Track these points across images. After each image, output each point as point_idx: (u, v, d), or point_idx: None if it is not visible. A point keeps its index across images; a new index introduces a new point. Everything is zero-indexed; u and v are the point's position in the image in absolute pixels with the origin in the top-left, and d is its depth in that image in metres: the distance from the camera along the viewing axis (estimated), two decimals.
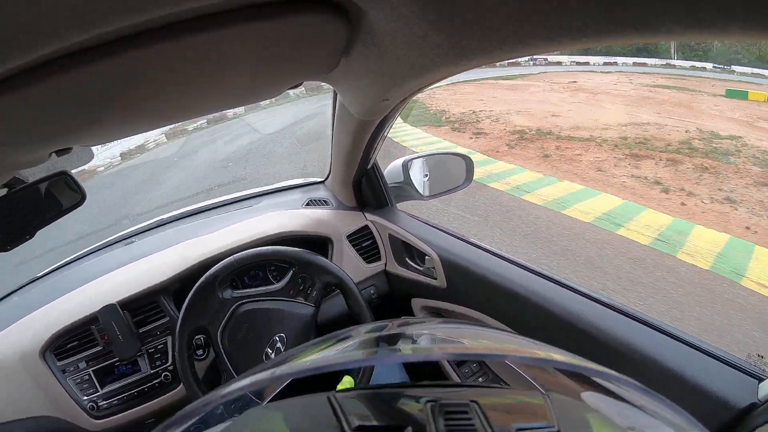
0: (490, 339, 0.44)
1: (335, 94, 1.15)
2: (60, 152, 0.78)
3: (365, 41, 0.62)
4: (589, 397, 0.38)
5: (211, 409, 0.34)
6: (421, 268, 1.43)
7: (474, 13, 0.45)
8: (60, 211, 1.02)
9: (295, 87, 0.83)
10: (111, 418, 1.31)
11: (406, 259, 1.49)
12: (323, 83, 0.93)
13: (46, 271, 1.65)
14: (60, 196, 1.02)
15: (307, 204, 1.69)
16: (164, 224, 1.77)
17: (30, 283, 1.60)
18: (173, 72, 0.56)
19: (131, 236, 1.73)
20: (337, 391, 0.37)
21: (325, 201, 1.69)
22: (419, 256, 1.45)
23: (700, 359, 0.81)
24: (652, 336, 0.87)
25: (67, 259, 1.69)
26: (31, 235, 0.99)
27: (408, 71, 0.68)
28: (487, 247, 1.27)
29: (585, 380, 0.40)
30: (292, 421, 0.36)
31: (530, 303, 1.06)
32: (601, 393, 0.37)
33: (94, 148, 1.02)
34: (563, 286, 1.05)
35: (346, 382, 1.03)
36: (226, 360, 1.20)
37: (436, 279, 1.34)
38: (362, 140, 1.23)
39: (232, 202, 1.86)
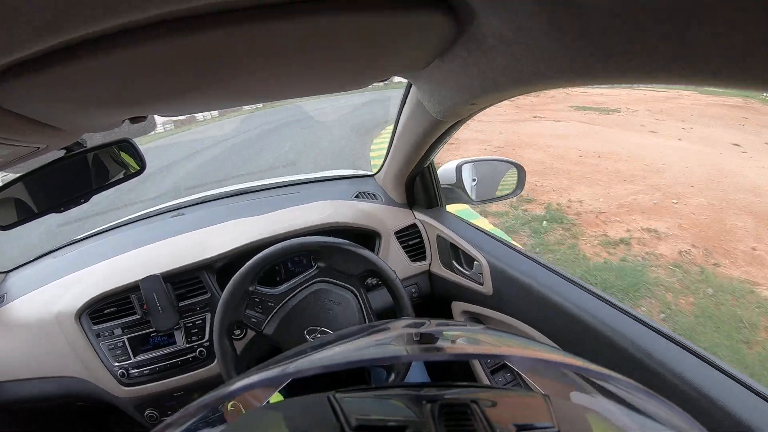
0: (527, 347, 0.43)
1: (408, 90, 1.12)
2: (134, 119, 0.76)
3: (468, 44, 0.59)
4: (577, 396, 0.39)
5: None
6: (468, 273, 1.40)
7: (604, 36, 0.42)
8: (119, 179, 1.01)
9: (383, 81, 0.81)
10: (140, 386, 1.32)
11: (453, 261, 1.46)
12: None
13: (87, 234, 1.66)
14: (120, 164, 1.00)
15: (356, 196, 1.67)
16: (211, 200, 1.77)
17: (70, 244, 1.61)
18: (267, 53, 0.54)
19: (177, 209, 1.73)
20: (337, 391, 0.37)
21: (374, 195, 1.68)
22: (466, 260, 1.42)
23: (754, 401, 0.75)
24: (706, 371, 0.81)
25: (110, 224, 1.70)
26: (86, 199, 0.99)
27: (511, 79, 0.64)
28: (538, 258, 1.23)
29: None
30: (292, 421, 0.35)
31: (579, 320, 1.01)
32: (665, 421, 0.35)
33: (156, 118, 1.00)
34: (617, 308, 1.00)
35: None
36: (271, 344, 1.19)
37: (482, 285, 1.31)
38: (430, 139, 1.21)
39: (281, 186, 1.86)
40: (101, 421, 1.66)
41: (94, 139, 0.97)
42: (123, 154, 1.00)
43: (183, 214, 1.66)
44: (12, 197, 0.94)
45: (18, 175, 0.92)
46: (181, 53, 0.48)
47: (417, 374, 1.41)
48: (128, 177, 1.02)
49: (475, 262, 1.33)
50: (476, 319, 1.41)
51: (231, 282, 1.16)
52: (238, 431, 0.36)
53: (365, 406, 0.37)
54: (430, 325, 0.46)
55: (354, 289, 1.23)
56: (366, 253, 1.21)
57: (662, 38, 0.38)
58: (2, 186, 0.92)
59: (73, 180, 0.97)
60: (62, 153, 0.93)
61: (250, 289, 1.17)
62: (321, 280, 1.22)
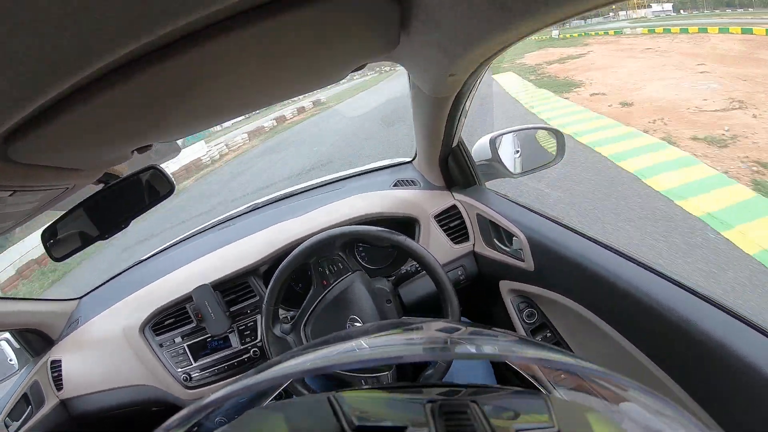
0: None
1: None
2: (141, 149, 0.80)
3: (419, 16, 0.59)
4: (627, 408, 0.37)
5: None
6: (509, 249, 1.36)
7: None
8: (151, 202, 1.07)
9: (359, 69, 0.81)
10: (203, 388, 1.43)
11: (494, 240, 1.42)
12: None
13: (147, 255, 1.79)
14: (152, 188, 1.06)
15: (395, 185, 1.67)
16: (257, 209, 1.85)
17: (133, 266, 1.75)
18: (236, 66, 0.56)
19: (226, 221, 1.83)
20: (337, 392, 0.37)
21: (413, 181, 1.67)
22: (507, 236, 1.38)
23: None
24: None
25: (166, 244, 1.82)
26: (127, 224, 1.06)
27: (468, 42, 0.63)
28: (579, 229, 1.17)
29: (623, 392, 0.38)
30: (293, 421, 0.36)
31: (624, 292, 0.95)
32: (641, 407, 0.35)
33: (179, 142, 1.05)
34: (663, 278, 0.92)
35: None
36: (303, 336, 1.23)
37: (523, 261, 1.27)
38: (440, 118, 1.18)
39: (322, 185, 1.90)
40: None
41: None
42: (153, 179, 1.06)
43: (228, 227, 1.75)
44: (62, 233, 1.03)
45: (62, 212, 1.00)
46: (159, 82, 0.50)
47: (482, 375, 1.38)
48: (161, 199, 1.08)
49: (514, 238, 1.29)
50: (524, 296, 1.37)
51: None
52: (238, 431, 0.36)
53: (365, 407, 0.37)
54: (464, 332, 0.47)
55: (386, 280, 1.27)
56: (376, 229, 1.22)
57: None
58: (50, 225, 1.01)
59: (112, 209, 1.04)
60: (100, 186, 1.01)
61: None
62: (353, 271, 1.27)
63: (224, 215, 1.90)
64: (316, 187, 1.90)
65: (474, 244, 1.53)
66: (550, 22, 0.52)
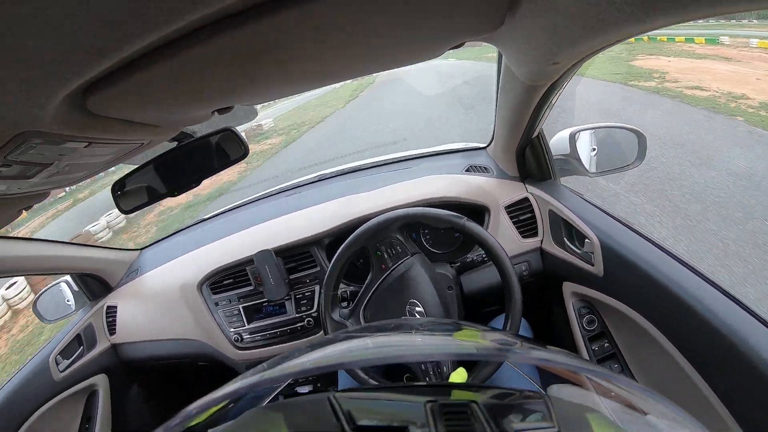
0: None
1: (500, 56, 1.07)
2: (222, 110, 0.79)
3: None
4: (653, 420, 0.36)
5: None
6: (579, 251, 1.30)
7: None
8: (224, 164, 1.06)
9: (457, 47, 0.76)
10: (252, 351, 1.45)
11: (564, 238, 1.36)
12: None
13: (211, 214, 1.82)
14: (225, 150, 1.05)
15: (467, 170, 1.63)
16: (325, 179, 1.85)
17: (198, 223, 1.78)
18: (329, 32, 0.53)
19: (293, 188, 1.83)
20: (337, 392, 0.37)
21: (485, 168, 1.63)
22: (578, 237, 1.31)
23: None
24: None
25: (233, 204, 1.84)
26: (197, 183, 1.06)
27: (584, 30, 0.59)
28: (658, 241, 1.10)
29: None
30: (293, 421, 0.36)
31: (699, 317, 0.87)
32: (666, 421, 0.34)
33: (258, 107, 1.03)
34: (745, 309, 0.84)
35: (458, 375, 1.00)
36: (362, 320, 1.21)
37: (593, 265, 1.21)
38: (528, 107, 1.13)
39: (392, 162, 1.88)
40: (220, 380, 1.85)
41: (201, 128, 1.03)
42: (226, 141, 1.04)
43: (295, 194, 1.75)
44: (131, 186, 1.03)
45: (135, 166, 1.01)
46: (248, 44, 0.48)
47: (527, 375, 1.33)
48: (233, 161, 1.07)
49: (586, 240, 1.23)
50: (587, 301, 1.31)
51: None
52: (238, 431, 0.36)
53: (365, 407, 0.37)
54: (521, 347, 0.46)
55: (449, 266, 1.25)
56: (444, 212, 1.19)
57: None
58: (120, 178, 1.02)
59: (185, 167, 1.03)
60: (174, 144, 1.00)
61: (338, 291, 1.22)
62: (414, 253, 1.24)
63: (290, 182, 1.91)
64: (385, 164, 1.88)
65: (542, 240, 1.48)
66: (691, 17, 0.47)
